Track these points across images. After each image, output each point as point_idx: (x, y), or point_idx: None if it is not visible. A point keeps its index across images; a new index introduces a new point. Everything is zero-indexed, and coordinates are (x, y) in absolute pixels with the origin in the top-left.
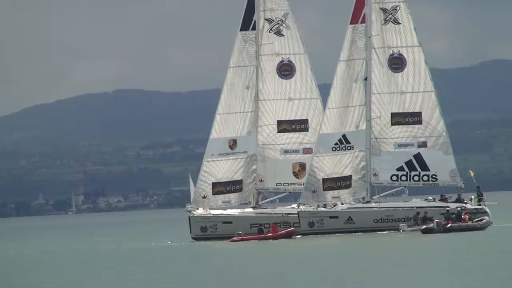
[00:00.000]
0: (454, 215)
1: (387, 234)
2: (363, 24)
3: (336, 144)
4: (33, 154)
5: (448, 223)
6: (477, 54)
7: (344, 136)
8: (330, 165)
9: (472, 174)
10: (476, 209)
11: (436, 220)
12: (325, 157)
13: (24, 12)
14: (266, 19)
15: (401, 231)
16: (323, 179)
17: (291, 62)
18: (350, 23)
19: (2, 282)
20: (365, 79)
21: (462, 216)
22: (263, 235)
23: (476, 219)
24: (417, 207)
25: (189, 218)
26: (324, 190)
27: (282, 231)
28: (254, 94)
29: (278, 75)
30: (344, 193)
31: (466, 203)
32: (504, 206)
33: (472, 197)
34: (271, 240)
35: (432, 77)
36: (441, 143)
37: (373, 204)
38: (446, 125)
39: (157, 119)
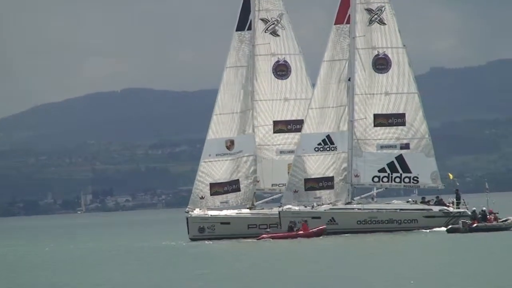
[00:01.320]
0: (480, 215)
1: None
2: (348, 25)
3: (319, 144)
4: (42, 153)
5: (474, 223)
6: (484, 54)
7: (328, 136)
8: (312, 165)
9: (451, 177)
10: (459, 212)
11: (462, 220)
12: (307, 157)
13: (34, 10)
14: (261, 19)
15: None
16: (305, 179)
17: (286, 62)
18: (335, 24)
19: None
20: (349, 79)
21: (488, 216)
22: (294, 233)
23: (502, 219)
24: (400, 209)
25: (187, 219)
26: (305, 190)
27: (314, 229)
28: (250, 94)
29: (274, 75)
30: (326, 194)
31: (448, 206)
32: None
33: (454, 200)
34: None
35: (440, 77)
36: (424, 145)
37: (357, 206)
38: (455, 125)
39: (165, 118)
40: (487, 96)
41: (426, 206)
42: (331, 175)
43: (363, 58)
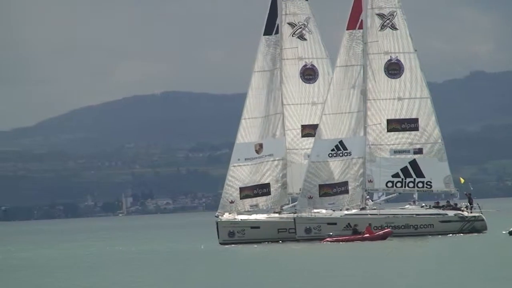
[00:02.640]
0: None
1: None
2: (360, 30)
3: (333, 150)
4: (80, 156)
5: None
6: None
7: (341, 142)
8: (326, 171)
9: (462, 181)
10: (474, 216)
11: None
12: (321, 163)
13: (72, 14)
14: (288, 23)
15: None
16: (319, 185)
17: (314, 66)
18: (347, 29)
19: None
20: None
21: None
22: (359, 236)
23: None
24: (416, 214)
25: (217, 223)
26: (320, 196)
27: (379, 232)
28: (279, 97)
29: (302, 79)
30: (340, 199)
31: (462, 211)
32: (503, 213)
33: (468, 204)
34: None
35: (480, 81)
36: (436, 150)
37: (374, 211)
38: (494, 129)
39: (205, 121)
40: None
41: (441, 211)
42: (344, 180)
43: (375, 63)
